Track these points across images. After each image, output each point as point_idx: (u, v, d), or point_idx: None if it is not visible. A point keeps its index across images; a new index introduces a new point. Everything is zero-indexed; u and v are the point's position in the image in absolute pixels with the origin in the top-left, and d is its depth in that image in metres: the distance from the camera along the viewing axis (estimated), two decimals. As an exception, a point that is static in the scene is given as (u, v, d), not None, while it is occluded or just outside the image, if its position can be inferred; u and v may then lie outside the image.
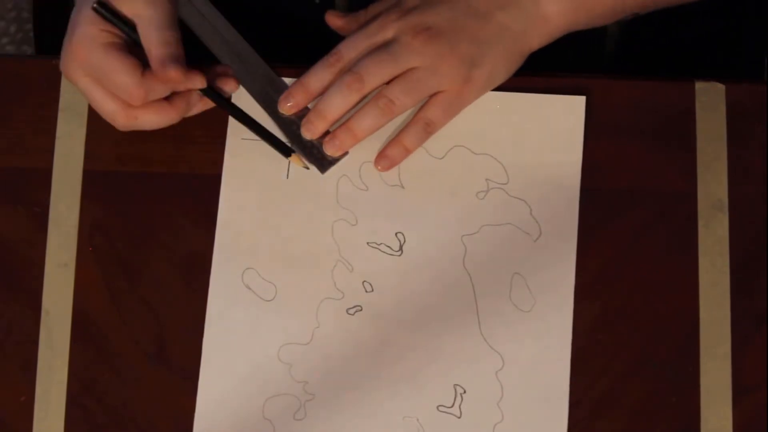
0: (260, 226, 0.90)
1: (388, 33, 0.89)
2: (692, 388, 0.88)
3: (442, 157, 0.91)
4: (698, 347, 0.89)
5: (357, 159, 0.91)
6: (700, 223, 0.90)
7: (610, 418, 0.88)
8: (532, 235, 0.90)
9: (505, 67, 0.90)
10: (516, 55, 0.90)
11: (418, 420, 0.87)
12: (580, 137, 0.91)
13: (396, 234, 0.90)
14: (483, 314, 0.89)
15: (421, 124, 0.90)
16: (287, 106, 0.91)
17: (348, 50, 0.90)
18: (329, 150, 0.90)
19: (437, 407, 0.88)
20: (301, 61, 0.92)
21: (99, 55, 0.86)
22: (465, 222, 0.90)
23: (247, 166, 0.91)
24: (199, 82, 0.88)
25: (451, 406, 0.88)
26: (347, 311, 0.89)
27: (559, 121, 0.91)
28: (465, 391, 0.88)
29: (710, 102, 0.92)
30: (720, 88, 0.93)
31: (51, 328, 0.89)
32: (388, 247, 0.90)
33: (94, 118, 0.92)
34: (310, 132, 0.90)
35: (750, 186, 0.91)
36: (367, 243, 0.90)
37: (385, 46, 0.89)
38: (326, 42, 0.94)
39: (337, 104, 0.89)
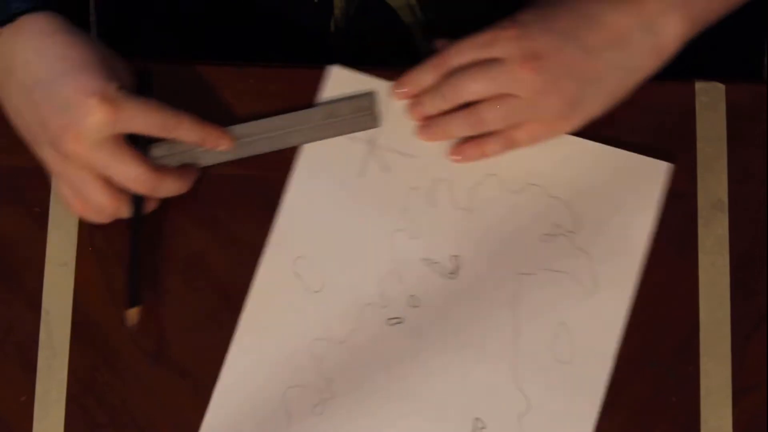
0: (323, 217, 0.90)
1: (497, 51, 0.87)
2: (692, 388, 0.88)
3: (517, 192, 0.90)
4: (698, 347, 0.89)
5: (431, 174, 0.90)
6: (700, 223, 0.90)
7: (610, 418, 0.88)
8: (587, 290, 0.89)
9: (604, 105, 0.89)
10: (620, 90, 0.89)
11: None
12: (654, 203, 0.90)
13: (453, 257, 0.89)
14: (520, 355, 0.88)
15: (507, 140, 0.89)
16: (401, 92, 0.90)
17: (454, 57, 0.89)
18: (422, 134, 0.90)
19: None
20: (300, 61, 0.92)
21: (108, 144, 0.85)
22: (524, 261, 0.89)
23: (325, 156, 0.91)
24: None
25: None
26: (387, 321, 0.89)
27: (638, 182, 0.90)
28: (485, 427, 0.87)
29: (710, 102, 0.92)
30: (720, 88, 0.93)
31: (51, 328, 0.89)
32: (443, 267, 0.89)
33: (94, 118, 0.92)
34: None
35: (750, 186, 0.91)
36: (423, 259, 0.89)
37: (490, 65, 0.87)
38: (324, 42, 0.94)
39: (428, 108, 0.90)
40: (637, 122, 0.92)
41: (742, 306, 0.89)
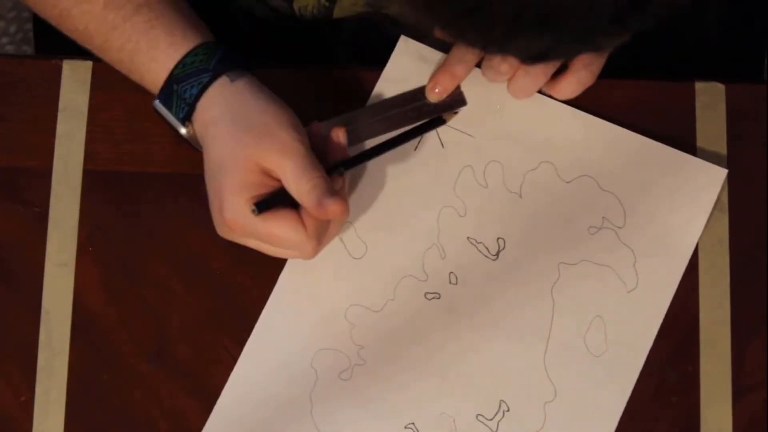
0: (374, 185, 0.90)
1: None
2: (692, 388, 0.88)
3: (569, 182, 0.90)
4: (698, 347, 0.89)
5: (486, 155, 0.91)
6: (700, 223, 0.91)
7: (610, 418, 0.88)
8: (627, 286, 0.89)
9: None
10: None
11: (454, 421, 0.87)
12: (708, 208, 0.90)
13: (498, 239, 0.90)
14: (552, 344, 0.88)
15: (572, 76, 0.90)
16: (435, 93, 0.91)
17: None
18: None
19: (476, 415, 0.87)
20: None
21: (258, 226, 0.83)
22: (568, 251, 0.89)
23: None
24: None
25: (491, 419, 0.87)
26: (425, 295, 0.89)
27: (693, 186, 0.90)
28: (509, 410, 0.87)
29: (710, 102, 0.92)
30: (720, 88, 0.93)
31: (51, 328, 0.89)
32: (486, 248, 0.89)
33: (94, 118, 0.92)
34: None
35: (750, 186, 0.91)
36: (468, 238, 0.90)
37: None
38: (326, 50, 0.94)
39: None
40: (637, 122, 0.92)
41: (742, 306, 0.89)
